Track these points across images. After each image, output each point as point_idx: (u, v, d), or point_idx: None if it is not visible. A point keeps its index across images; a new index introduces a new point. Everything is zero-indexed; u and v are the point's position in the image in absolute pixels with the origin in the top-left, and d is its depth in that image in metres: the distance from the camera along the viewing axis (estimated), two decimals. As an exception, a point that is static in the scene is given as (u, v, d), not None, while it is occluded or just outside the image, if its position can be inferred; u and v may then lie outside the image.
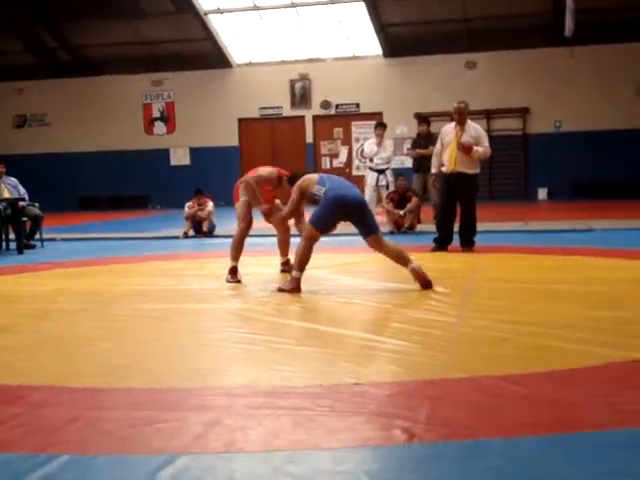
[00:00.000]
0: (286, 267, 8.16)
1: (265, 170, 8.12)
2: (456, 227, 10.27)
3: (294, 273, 7.05)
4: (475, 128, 10.24)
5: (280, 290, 6.99)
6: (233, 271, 7.76)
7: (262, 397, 3.81)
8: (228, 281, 7.69)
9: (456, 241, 10.07)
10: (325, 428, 3.36)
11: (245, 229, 7.96)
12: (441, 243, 10.02)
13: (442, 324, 5.40)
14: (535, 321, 5.39)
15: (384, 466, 3.00)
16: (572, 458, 2.97)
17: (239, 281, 7.70)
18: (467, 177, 10.03)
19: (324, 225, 7.07)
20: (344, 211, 7.04)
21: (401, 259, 7.07)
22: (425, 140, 14.03)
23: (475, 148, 9.91)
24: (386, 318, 5.66)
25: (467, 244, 9.96)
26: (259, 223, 8.48)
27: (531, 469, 2.90)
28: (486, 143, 10.14)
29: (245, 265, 8.06)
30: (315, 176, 7.33)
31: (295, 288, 6.94)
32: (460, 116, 10.13)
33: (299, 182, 7.28)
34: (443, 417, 3.44)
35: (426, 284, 6.86)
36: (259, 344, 4.98)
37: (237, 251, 7.86)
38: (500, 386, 3.85)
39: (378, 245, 7.16)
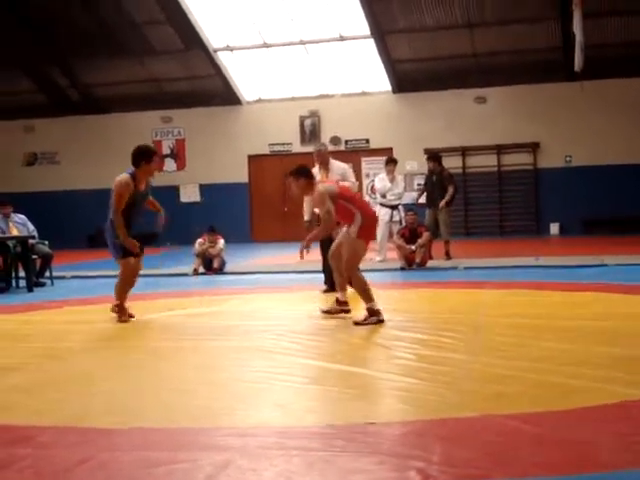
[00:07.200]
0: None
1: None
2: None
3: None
4: (338, 166, 10.18)
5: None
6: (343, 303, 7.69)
7: (274, 437, 3.78)
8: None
9: (454, 275, 10.04)
10: (337, 469, 3.32)
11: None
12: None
13: (451, 361, 5.38)
14: (546, 358, 5.36)
15: (396, 508, 2.96)
16: (586, 499, 2.94)
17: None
18: None
19: None
20: None
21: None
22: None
23: None
24: (394, 356, 5.63)
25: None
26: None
27: (545, 511, 2.87)
28: (352, 178, 10.22)
29: (250, 301, 7.98)
30: None
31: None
32: (321, 159, 10.10)
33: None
34: (456, 457, 3.41)
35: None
36: (270, 382, 4.96)
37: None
38: (511, 425, 3.82)
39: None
